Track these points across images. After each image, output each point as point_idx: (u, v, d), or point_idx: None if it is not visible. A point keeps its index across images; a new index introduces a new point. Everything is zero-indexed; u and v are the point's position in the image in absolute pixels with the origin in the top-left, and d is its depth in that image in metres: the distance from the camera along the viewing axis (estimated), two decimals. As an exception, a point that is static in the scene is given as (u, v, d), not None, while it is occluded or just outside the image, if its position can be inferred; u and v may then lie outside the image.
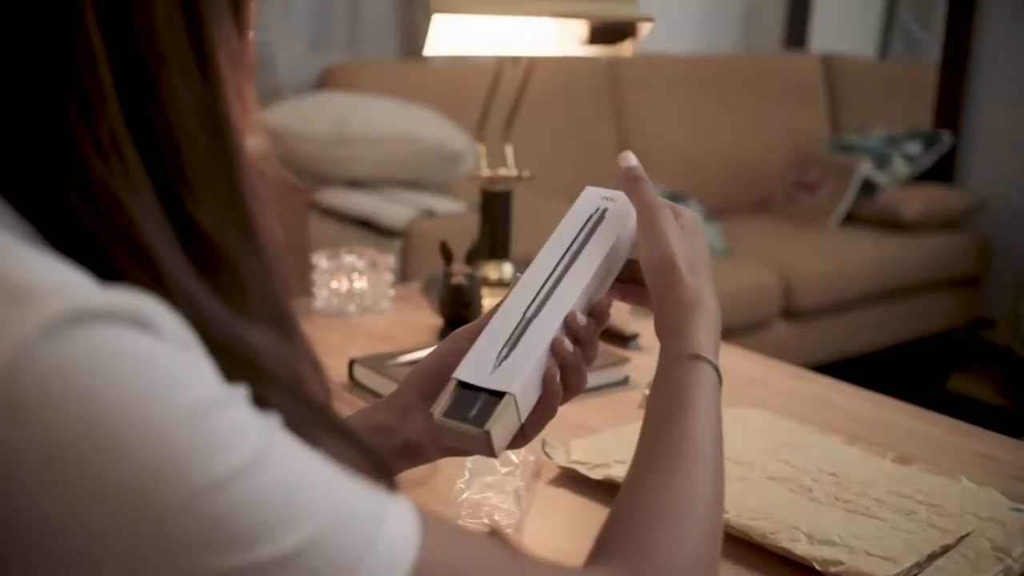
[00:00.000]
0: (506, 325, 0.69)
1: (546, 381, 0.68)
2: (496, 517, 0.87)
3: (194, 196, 0.47)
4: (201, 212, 0.47)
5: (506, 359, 0.67)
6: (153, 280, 0.45)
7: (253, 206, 0.50)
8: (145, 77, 0.46)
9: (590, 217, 0.75)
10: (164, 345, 0.42)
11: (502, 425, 0.66)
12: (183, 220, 0.47)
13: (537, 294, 0.70)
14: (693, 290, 0.70)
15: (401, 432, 0.73)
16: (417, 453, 0.74)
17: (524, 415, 0.68)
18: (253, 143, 0.52)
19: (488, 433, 0.65)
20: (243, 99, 0.52)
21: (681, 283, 0.70)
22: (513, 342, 0.68)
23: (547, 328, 0.69)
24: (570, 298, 0.70)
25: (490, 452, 0.67)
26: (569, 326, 0.69)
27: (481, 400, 0.67)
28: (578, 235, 0.74)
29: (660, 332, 0.71)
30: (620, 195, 0.76)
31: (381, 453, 0.59)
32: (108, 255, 0.45)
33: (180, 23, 0.47)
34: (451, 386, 0.68)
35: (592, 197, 0.77)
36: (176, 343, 0.43)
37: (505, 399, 0.66)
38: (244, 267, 0.48)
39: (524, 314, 0.69)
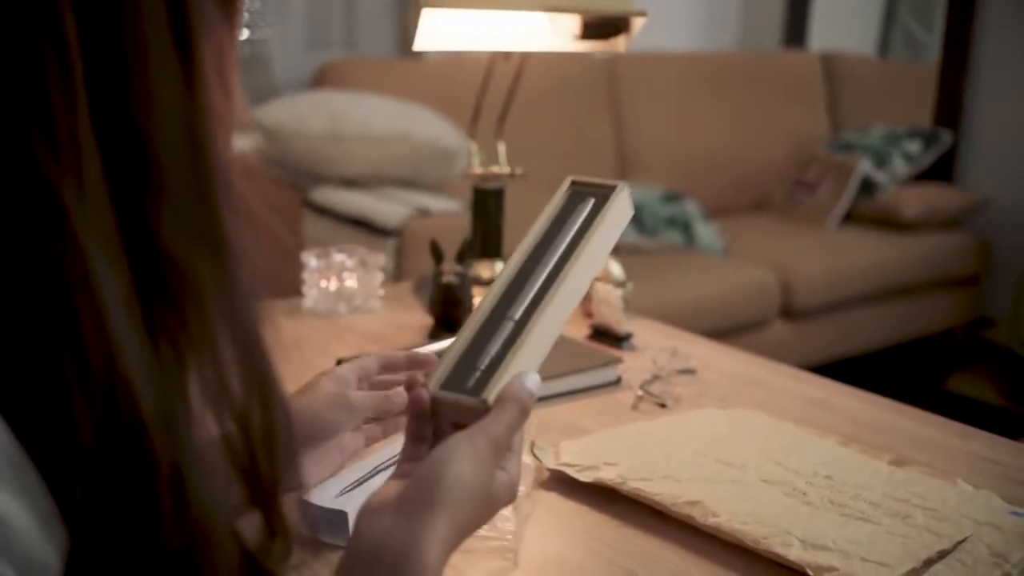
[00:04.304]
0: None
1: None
2: (499, 524, 0.84)
3: (162, 208, 0.43)
4: (166, 227, 0.43)
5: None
6: (89, 310, 0.40)
7: (229, 224, 0.45)
8: (123, 68, 0.41)
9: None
10: None
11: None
12: (144, 236, 0.42)
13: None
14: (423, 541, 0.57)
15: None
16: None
17: None
18: (243, 143, 0.49)
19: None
20: (229, 100, 0.47)
21: (424, 520, 0.57)
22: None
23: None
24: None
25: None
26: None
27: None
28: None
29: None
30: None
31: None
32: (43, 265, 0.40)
33: (162, 14, 0.43)
34: None
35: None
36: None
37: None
38: (208, 293, 0.44)
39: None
